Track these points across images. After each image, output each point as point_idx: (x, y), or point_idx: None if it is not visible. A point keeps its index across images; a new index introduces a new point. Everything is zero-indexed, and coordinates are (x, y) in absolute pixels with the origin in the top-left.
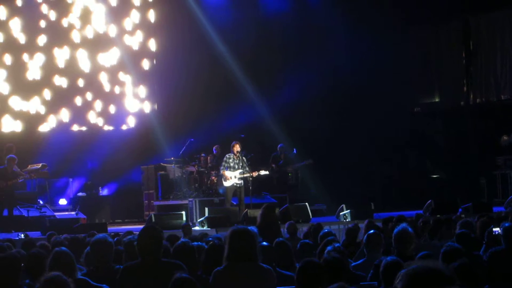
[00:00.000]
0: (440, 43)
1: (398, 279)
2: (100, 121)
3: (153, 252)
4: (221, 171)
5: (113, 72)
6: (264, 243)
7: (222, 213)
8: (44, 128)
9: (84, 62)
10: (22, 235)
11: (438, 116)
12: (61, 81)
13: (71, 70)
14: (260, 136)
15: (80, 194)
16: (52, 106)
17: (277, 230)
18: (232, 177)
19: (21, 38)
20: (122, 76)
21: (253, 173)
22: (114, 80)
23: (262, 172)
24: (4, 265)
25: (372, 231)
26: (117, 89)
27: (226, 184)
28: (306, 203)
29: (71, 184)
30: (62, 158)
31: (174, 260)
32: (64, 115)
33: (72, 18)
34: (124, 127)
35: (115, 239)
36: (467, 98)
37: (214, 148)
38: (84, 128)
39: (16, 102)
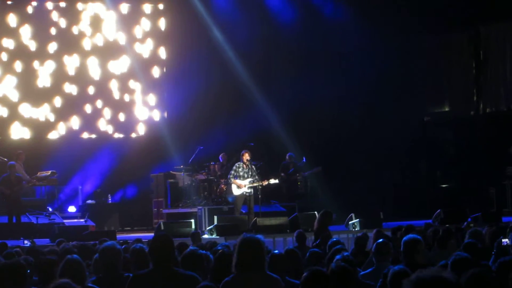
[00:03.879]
0: (450, 53)
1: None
2: (109, 129)
3: (165, 260)
4: (230, 180)
5: (123, 80)
6: (275, 251)
7: (231, 222)
8: (54, 135)
9: (94, 69)
10: (27, 242)
11: (448, 126)
12: (71, 89)
13: (81, 78)
14: (269, 144)
15: (89, 201)
16: (62, 114)
17: (327, 236)
18: (243, 186)
19: (32, 45)
20: (132, 84)
21: (263, 182)
22: (124, 88)
23: (272, 181)
24: (9, 272)
25: (381, 240)
26: (127, 97)
27: (236, 192)
28: (316, 212)
29: (80, 191)
30: (72, 166)
31: (189, 272)
32: (74, 122)
33: (83, 26)
34: (133, 135)
35: (124, 246)
36: (477, 108)
37: (220, 156)
38: (93, 136)
39: (25, 109)
